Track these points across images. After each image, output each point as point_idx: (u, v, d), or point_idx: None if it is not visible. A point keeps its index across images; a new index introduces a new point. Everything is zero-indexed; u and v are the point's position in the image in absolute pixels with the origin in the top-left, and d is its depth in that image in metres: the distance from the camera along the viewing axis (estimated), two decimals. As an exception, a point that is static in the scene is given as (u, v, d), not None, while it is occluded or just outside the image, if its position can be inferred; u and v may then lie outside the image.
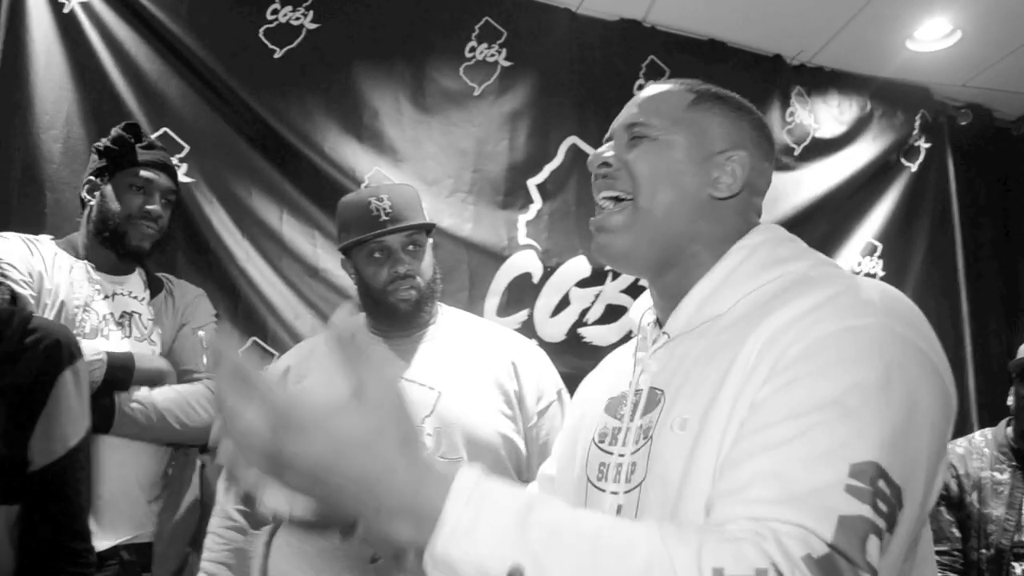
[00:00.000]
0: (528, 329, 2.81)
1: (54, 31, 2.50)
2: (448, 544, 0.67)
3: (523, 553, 0.66)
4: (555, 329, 2.87)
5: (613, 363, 1.27)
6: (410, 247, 1.97)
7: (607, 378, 1.21)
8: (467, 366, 1.96)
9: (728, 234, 1.04)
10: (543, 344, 2.75)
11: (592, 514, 0.75)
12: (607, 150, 1.08)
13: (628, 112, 1.09)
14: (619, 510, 0.98)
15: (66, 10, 2.53)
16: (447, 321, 2.03)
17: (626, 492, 0.98)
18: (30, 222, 2.27)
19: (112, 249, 2.15)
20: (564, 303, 2.89)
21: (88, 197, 2.17)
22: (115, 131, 2.19)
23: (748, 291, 0.97)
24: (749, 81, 3.30)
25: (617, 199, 1.06)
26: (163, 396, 2.04)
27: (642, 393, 1.02)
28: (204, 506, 2.23)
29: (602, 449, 1.06)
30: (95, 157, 2.18)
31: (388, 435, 0.68)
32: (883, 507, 0.74)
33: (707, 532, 0.73)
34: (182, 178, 2.51)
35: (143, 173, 2.16)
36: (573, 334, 2.89)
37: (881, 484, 0.75)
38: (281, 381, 1.99)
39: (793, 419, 0.79)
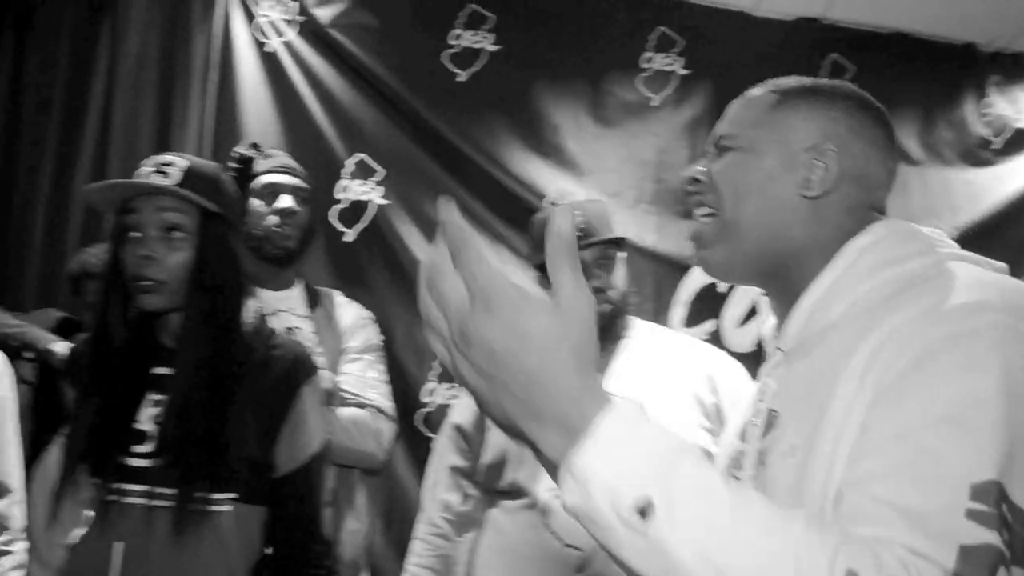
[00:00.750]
0: (715, 340, 2.77)
1: (259, 70, 2.71)
2: (590, 456, 0.64)
3: (659, 488, 0.63)
4: (743, 339, 2.82)
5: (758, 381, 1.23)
6: (602, 261, 1.98)
7: (749, 398, 1.15)
8: (665, 379, 1.96)
9: (836, 235, 0.97)
10: (731, 355, 2.70)
11: (742, 484, 0.72)
12: (698, 165, 1.05)
13: (717, 125, 1.06)
14: None
15: (268, 49, 2.73)
16: (642, 334, 2.04)
17: None
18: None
19: (266, 260, 2.17)
20: (752, 312, 2.84)
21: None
22: (235, 150, 2.23)
23: (857, 297, 0.89)
24: (940, 73, 3.15)
25: (710, 214, 1.02)
26: (343, 415, 2.13)
27: (762, 415, 0.97)
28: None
29: (733, 473, 1.01)
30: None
31: (570, 342, 0.65)
32: (1005, 534, 0.68)
33: (843, 538, 0.67)
34: (379, 200, 2.66)
35: (265, 179, 2.19)
36: (762, 344, 2.83)
37: (1004, 508, 0.68)
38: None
39: (903, 439, 0.73)
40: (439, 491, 2.04)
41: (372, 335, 2.32)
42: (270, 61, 2.72)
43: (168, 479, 1.40)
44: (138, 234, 1.45)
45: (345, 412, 2.12)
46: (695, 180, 1.04)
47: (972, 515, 0.67)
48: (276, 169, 2.22)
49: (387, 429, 2.20)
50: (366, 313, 2.35)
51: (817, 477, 0.81)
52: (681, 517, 0.63)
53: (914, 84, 3.14)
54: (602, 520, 0.64)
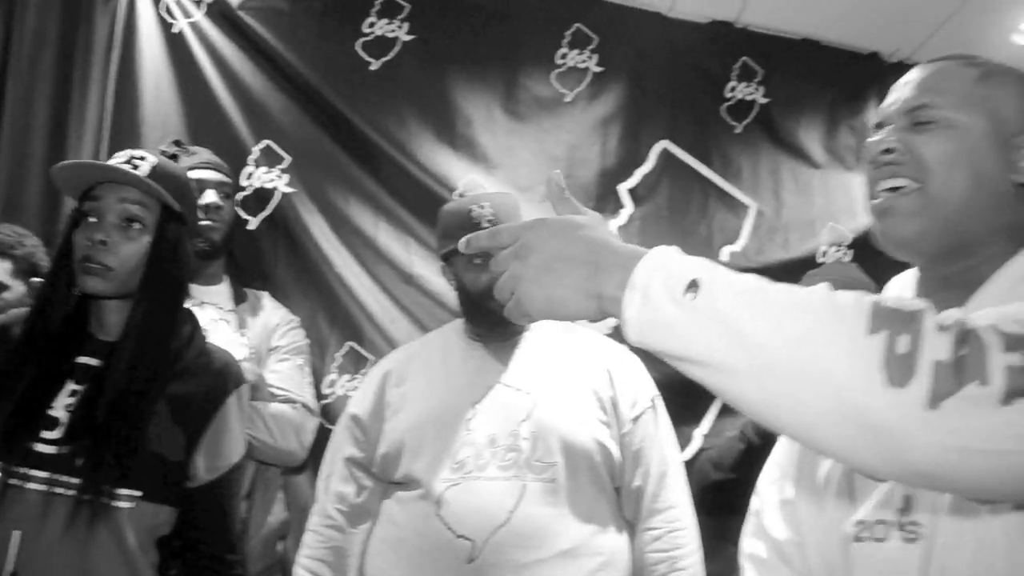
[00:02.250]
0: (619, 335, 2.79)
1: (163, 51, 2.63)
2: (647, 267, 0.76)
3: (703, 273, 0.74)
4: (648, 334, 2.85)
5: None
6: None
7: None
8: (563, 372, 1.99)
9: None
10: (634, 350, 2.74)
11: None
12: (888, 135, 1.02)
13: (905, 95, 1.03)
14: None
15: (175, 30, 2.65)
16: (543, 327, 2.05)
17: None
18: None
19: (192, 254, 2.21)
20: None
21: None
22: (159, 148, 2.25)
23: None
24: (846, 81, 3.24)
25: (897, 188, 1.00)
26: (269, 411, 2.13)
27: None
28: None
29: None
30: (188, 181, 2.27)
31: (604, 225, 0.87)
32: None
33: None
34: (284, 188, 2.61)
35: (190, 175, 2.22)
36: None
37: None
38: (383, 384, 2.04)
39: None
40: (333, 482, 2.02)
41: (300, 338, 2.39)
42: (175, 42, 2.64)
43: (71, 468, 1.39)
44: (94, 219, 1.48)
45: (272, 408, 2.14)
46: (888, 151, 1.01)
47: None
48: (200, 165, 2.28)
49: (311, 427, 2.25)
50: (293, 317, 2.42)
51: None
52: (722, 287, 0.73)
53: (820, 90, 3.22)
54: (661, 314, 0.74)
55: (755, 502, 1.24)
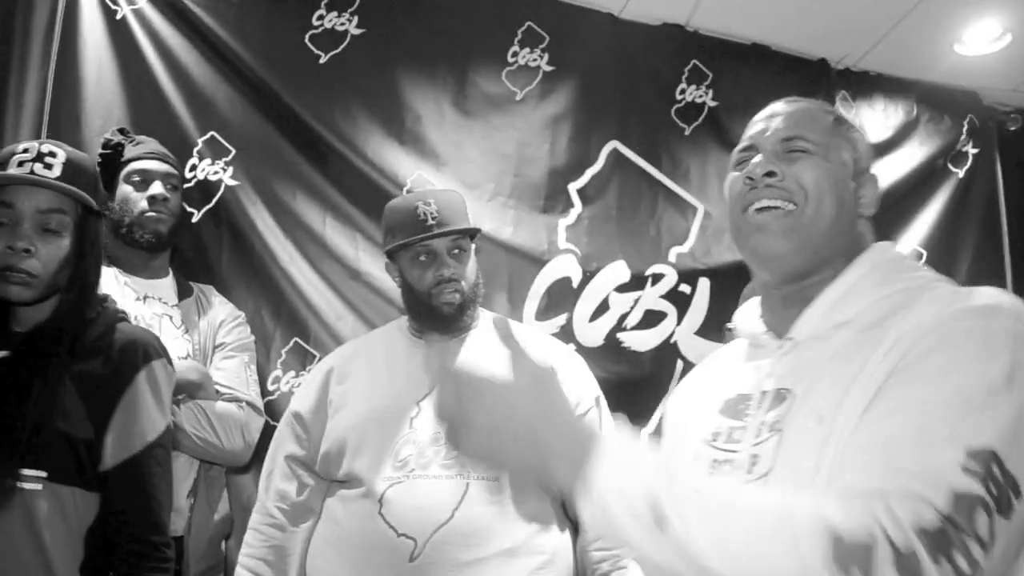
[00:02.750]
0: (567, 334, 2.81)
1: (106, 38, 2.55)
2: (602, 476, 0.82)
3: (663, 494, 0.80)
4: (594, 334, 2.87)
5: (716, 368, 1.29)
6: (455, 251, 2.00)
7: (713, 383, 1.23)
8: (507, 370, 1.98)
9: (856, 248, 1.12)
10: (581, 349, 2.75)
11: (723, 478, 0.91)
12: (767, 160, 1.12)
13: (776, 125, 1.15)
14: None
15: (118, 16, 2.58)
16: (487, 325, 2.05)
17: (746, 484, 1.01)
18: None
19: (135, 247, 2.19)
20: (603, 308, 2.89)
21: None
22: (104, 136, 2.27)
23: (875, 299, 1.03)
24: (792, 85, 3.26)
25: (773, 208, 1.11)
26: (215, 409, 2.09)
27: (768, 394, 1.06)
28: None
29: (715, 447, 1.09)
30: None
31: (557, 407, 0.90)
32: (994, 490, 0.79)
33: (826, 496, 0.81)
34: (228, 181, 2.56)
35: (136, 165, 2.22)
36: (612, 339, 2.88)
37: (995, 469, 0.80)
38: (326, 381, 2.02)
39: (918, 405, 0.85)
40: (275, 480, 2.00)
41: (245, 335, 2.35)
42: (118, 29, 2.56)
43: None
44: (6, 222, 1.45)
45: (217, 407, 2.11)
46: (771, 174, 1.11)
47: (965, 470, 0.79)
48: (146, 155, 2.24)
49: (257, 427, 2.21)
50: (239, 313, 2.38)
51: (840, 440, 0.92)
52: (686, 517, 0.79)
53: (768, 94, 3.19)
54: (623, 531, 0.81)
55: None
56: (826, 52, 3.38)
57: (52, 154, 1.48)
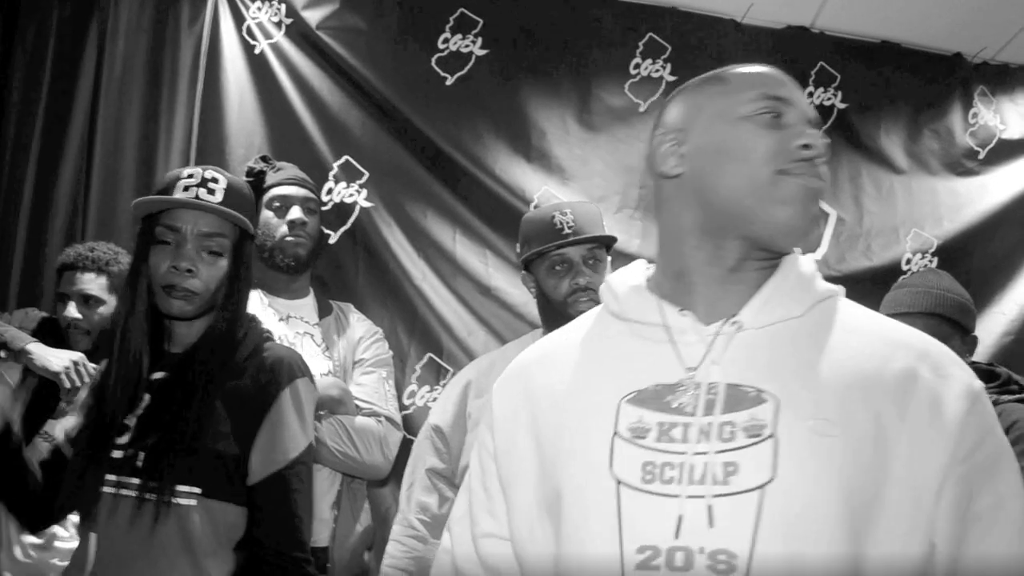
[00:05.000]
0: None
1: (246, 72, 2.71)
2: None
3: None
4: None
5: (579, 350, 1.09)
6: (591, 260, 2.00)
7: (587, 368, 1.05)
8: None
9: None
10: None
11: None
12: (817, 135, 1.07)
13: (804, 102, 1.10)
14: (710, 512, 0.89)
15: (257, 51, 2.72)
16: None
17: (722, 496, 0.89)
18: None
19: (277, 270, 2.27)
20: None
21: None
22: (247, 164, 2.35)
23: (818, 299, 1.01)
24: (927, 82, 3.17)
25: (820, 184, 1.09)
26: (355, 425, 2.14)
27: (717, 387, 0.94)
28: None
29: (644, 446, 0.94)
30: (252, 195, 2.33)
31: None
32: None
33: None
34: (363, 202, 2.66)
35: (276, 191, 2.29)
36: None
37: None
38: (464, 395, 2.05)
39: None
40: (416, 493, 2.04)
41: (383, 350, 2.39)
42: (257, 63, 2.72)
43: (134, 469, 1.46)
44: (168, 242, 1.53)
45: (357, 422, 2.14)
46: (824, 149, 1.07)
47: None
48: (286, 181, 2.33)
49: (395, 441, 2.23)
50: (377, 329, 2.43)
51: (856, 461, 0.89)
52: None
53: (901, 93, 3.15)
54: None
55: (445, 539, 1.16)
56: (961, 46, 3.24)
57: (215, 180, 1.56)
